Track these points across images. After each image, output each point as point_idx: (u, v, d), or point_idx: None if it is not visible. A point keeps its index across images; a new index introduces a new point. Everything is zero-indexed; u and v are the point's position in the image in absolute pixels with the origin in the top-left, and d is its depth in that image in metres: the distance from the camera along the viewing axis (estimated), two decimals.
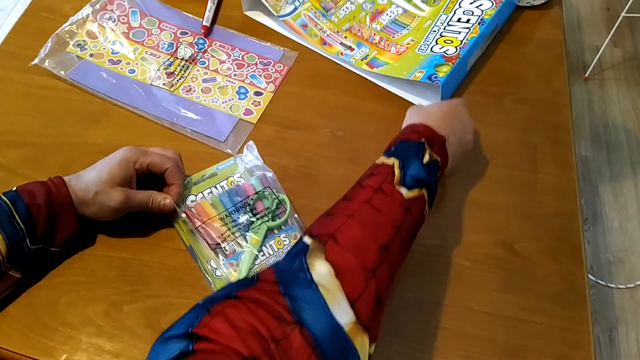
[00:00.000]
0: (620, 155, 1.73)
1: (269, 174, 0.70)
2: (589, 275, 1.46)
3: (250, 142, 0.73)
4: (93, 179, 0.61)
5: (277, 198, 0.67)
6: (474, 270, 0.66)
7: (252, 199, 0.67)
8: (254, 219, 0.65)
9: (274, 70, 0.82)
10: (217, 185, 0.69)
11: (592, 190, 1.65)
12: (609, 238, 1.57)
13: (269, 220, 0.65)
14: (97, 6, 0.86)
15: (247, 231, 0.65)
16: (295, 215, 0.67)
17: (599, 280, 1.49)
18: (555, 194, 0.72)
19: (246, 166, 0.71)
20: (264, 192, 0.67)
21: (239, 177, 0.70)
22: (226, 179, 0.69)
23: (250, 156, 0.72)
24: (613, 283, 1.49)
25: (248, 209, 0.66)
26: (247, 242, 0.64)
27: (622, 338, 1.43)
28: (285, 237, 0.65)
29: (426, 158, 0.57)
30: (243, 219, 0.65)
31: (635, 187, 1.67)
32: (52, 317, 0.60)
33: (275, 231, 0.65)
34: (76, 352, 0.58)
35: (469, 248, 0.67)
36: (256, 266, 0.62)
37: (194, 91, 0.79)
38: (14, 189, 0.59)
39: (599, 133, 1.78)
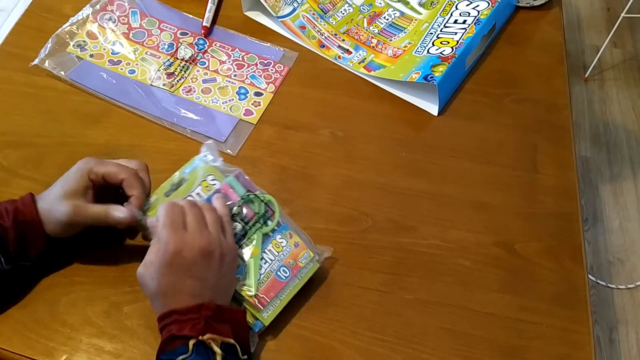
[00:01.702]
0: (620, 155, 1.73)
1: (239, 172, 0.64)
2: (589, 275, 1.46)
3: (210, 142, 0.65)
4: (51, 194, 0.59)
5: (264, 200, 0.63)
6: (474, 271, 0.66)
7: (238, 205, 0.62)
8: (247, 228, 0.61)
9: (274, 71, 0.82)
10: (193, 194, 0.62)
11: (592, 191, 1.65)
12: (609, 238, 1.57)
13: (262, 225, 0.62)
14: (97, 7, 0.86)
15: (242, 241, 0.61)
16: (284, 213, 0.64)
17: (599, 281, 1.49)
18: (555, 194, 0.72)
19: (215, 165, 0.64)
20: (249, 196, 0.62)
21: (213, 180, 0.63)
22: (199, 185, 0.62)
23: (210, 156, 0.65)
24: (613, 283, 1.49)
25: (238, 218, 0.61)
26: (246, 254, 0.61)
27: (622, 338, 1.43)
28: (282, 238, 0.62)
29: (218, 358, 0.51)
30: (236, 229, 0.60)
31: (636, 188, 1.67)
32: (52, 317, 0.60)
33: (270, 234, 0.62)
34: (76, 353, 0.58)
35: (469, 248, 0.67)
36: (263, 275, 0.60)
37: (194, 91, 0.79)
38: None
39: (599, 133, 1.78)
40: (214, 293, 0.55)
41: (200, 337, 0.51)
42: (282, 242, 0.62)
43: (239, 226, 0.61)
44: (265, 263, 0.60)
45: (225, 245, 0.57)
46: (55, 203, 0.58)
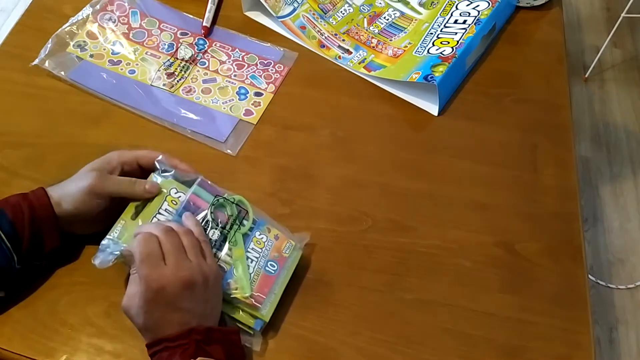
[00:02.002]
0: (621, 155, 1.73)
1: (201, 178, 0.63)
2: (589, 275, 1.46)
3: (160, 156, 0.63)
4: (67, 181, 0.60)
5: (234, 202, 0.62)
6: (474, 271, 0.66)
7: (211, 212, 0.61)
8: (226, 232, 0.61)
9: (274, 71, 0.82)
10: (162, 211, 0.60)
11: (592, 191, 1.65)
12: (609, 238, 1.57)
13: (239, 227, 0.61)
14: (98, 7, 0.86)
15: (223, 246, 0.60)
16: (256, 208, 0.64)
17: (599, 281, 1.49)
18: (555, 194, 0.72)
19: (173, 178, 0.63)
20: (218, 200, 0.62)
21: (176, 193, 0.62)
22: (165, 201, 0.61)
23: (166, 170, 0.63)
24: (613, 283, 1.49)
25: (214, 224, 0.61)
26: (231, 257, 0.60)
27: (622, 338, 1.43)
28: (261, 234, 0.62)
29: None
30: (215, 236, 0.60)
31: (636, 188, 1.67)
32: (53, 317, 0.60)
33: (249, 233, 0.62)
34: (76, 353, 0.58)
35: (469, 248, 0.67)
36: (252, 274, 0.60)
37: (194, 92, 0.79)
38: None
39: (599, 133, 1.78)
40: (201, 318, 0.54)
41: None
42: (262, 237, 0.62)
43: (217, 233, 0.60)
44: (251, 262, 0.60)
45: (207, 269, 0.55)
46: (75, 180, 0.59)
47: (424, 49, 0.82)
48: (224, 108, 0.78)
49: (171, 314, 0.53)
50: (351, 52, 0.85)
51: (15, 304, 0.61)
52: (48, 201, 0.58)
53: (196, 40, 0.85)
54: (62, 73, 0.79)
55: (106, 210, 0.60)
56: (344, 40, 0.86)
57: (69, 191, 0.59)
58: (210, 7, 0.87)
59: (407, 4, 0.90)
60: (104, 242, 0.58)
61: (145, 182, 0.61)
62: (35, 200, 0.58)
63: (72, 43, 0.82)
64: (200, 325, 0.53)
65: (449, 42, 0.81)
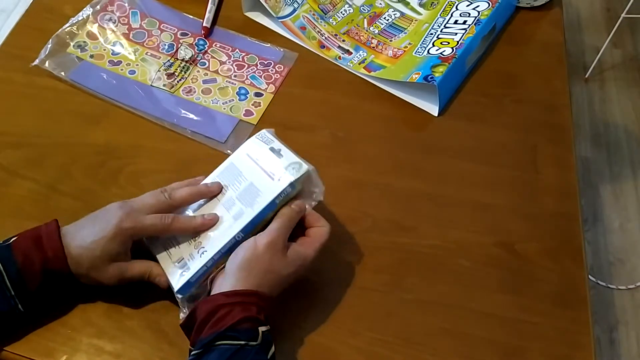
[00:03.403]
0: (621, 156, 1.73)
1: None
2: (589, 276, 1.46)
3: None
4: (86, 250, 0.55)
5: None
6: (474, 271, 0.66)
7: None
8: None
9: (274, 71, 0.82)
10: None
11: (592, 191, 1.65)
12: (609, 239, 1.57)
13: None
14: (98, 7, 0.86)
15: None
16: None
17: (599, 281, 1.49)
18: (555, 194, 0.72)
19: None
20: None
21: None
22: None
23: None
24: (613, 284, 1.49)
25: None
26: None
27: (622, 339, 1.43)
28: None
29: (271, 351, 0.52)
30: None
31: (636, 188, 1.67)
32: (53, 318, 0.60)
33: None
34: (76, 353, 0.58)
35: (469, 248, 0.67)
36: None
37: (194, 92, 0.79)
38: (9, 242, 0.55)
39: (599, 134, 1.78)
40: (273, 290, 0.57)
41: (268, 327, 0.52)
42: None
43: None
44: None
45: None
46: (99, 265, 0.56)
47: (424, 49, 0.82)
48: (224, 108, 0.78)
49: (284, 283, 0.57)
50: (351, 53, 0.85)
51: None
52: (64, 258, 0.55)
53: (196, 41, 0.85)
54: (62, 73, 0.79)
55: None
56: (344, 40, 0.86)
57: (90, 280, 0.57)
58: (211, 8, 0.87)
59: (407, 4, 0.90)
60: None
61: (156, 274, 0.59)
62: (51, 252, 0.55)
63: (72, 43, 0.82)
64: (264, 294, 0.55)
65: (449, 43, 0.81)
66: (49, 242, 0.55)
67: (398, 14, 0.90)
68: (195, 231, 0.59)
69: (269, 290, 0.55)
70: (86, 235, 0.56)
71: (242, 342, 0.50)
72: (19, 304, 0.55)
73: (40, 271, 0.54)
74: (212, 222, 0.59)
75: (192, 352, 0.51)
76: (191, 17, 0.87)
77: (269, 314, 0.54)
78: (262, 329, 0.52)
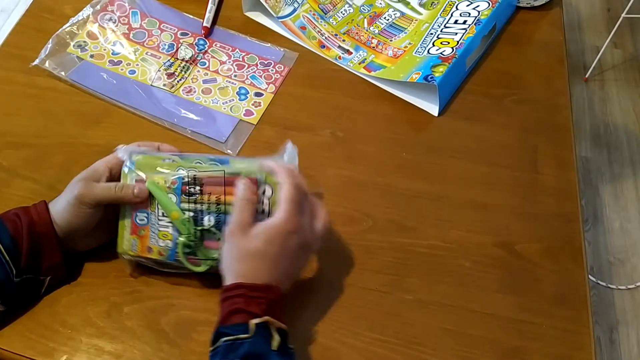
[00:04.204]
0: (621, 156, 1.73)
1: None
2: (590, 276, 1.46)
3: (119, 146, 0.62)
4: (61, 196, 0.59)
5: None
6: (474, 271, 0.66)
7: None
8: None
9: (274, 71, 0.82)
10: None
11: (592, 191, 1.65)
12: (609, 239, 1.57)
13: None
14: (98, 7, 0.86)
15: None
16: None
17: (599, 281, 1.49)
18: (555, 194, 0.72)
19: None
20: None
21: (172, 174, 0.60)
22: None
23: (129, 154, 0.62)
24: (613, 284, 1.49)
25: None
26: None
27: (622, 339, 1.43)
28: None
29: (274, 343, 0.51)
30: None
31: (636, 188, 1.67)
32: (53, 318, 0.60)
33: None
34: (76, 353, 0.58)
35: (469, 249, 0.67)
36: None
37: (195, 92, 0.79)
38: None
39: (599, 134, 1.78)
40: (285, 280, 0.56)
41: (263, 318, 0.51)
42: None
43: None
44: None
45: (314, 239, 0.58)
46: (65, 193, 0.59)
47: (424, 49, 0.82)
48: (224, 108, 0.78)
49: (276, 259, 0.55)
50: (351, 53, 0.85)
51: None
52: (48, 217, 0.58)
53: (196, 41, 0.85)
54: (63, 73, 0.79)
55: (104, 221, 0.60)
56: (344, 40, 0.86)
57: (60, 206, 0.59)
58: (211, 8, 0.87)
59: (407, 4, 0.90)
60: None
61: (133, 186, 0.58)
62: (36, 215, 0.58)
63: (72, 43, 0.82)
64: (278, 286, 0.54)
65: (449, 43, 0.81)
66: (35, 208, 0.59)
67: (398, 14, 0.90)
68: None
69: (256, 277, 0.54)
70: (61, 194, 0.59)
71: (233, 337, 0.50)
72: (13, 269, 0.56)
73: (27, 234, 0.56)
74: (143, 194, 0.58)
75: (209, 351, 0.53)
76: (191, 17, 0.87)
77: (275, 299, 0.54)
78: (254, 321, 0.51)
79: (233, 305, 0.52)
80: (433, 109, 0.79)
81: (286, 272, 0.56)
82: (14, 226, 0.56)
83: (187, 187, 0.58)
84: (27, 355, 0.58)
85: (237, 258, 0.55)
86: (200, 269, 0.59)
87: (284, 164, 0.61)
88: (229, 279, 0.55)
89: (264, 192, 0.59)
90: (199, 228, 0.58)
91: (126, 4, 0.87)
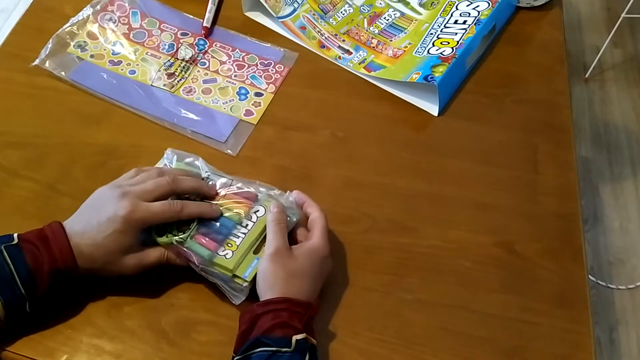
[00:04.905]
0: (621, 156, 1.73)
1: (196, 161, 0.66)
2: (590, 276, 1.46)
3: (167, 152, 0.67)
4: (99, 248, 0.55)
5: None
6: (474, 271, 0.66)
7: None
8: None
9: (274, 71, 0.82)
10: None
11: (592, 191, 1.65)
12: (609, 239, 1.57)
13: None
14: (98, 7, 0.86)
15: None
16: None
17: (599, 281, 1.49)
18: (555, 194, 0.72)
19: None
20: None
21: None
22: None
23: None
24: (613, 284, 1.49)
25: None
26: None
27: (622, 339, 1.43)
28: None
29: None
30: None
31: (636, 188, 1.67)
32: (53, 318, 0.60)
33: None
34: (76, 353, 0.58)
35: (469, 249, 0.67)
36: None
37: (195, 92, 0.79)
38: (15, 240, 0.54)
39: (599, 134, 1.78)
40: (315, 298, 0.59)
41: (304, 335, 0.53)
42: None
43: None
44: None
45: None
46: (114, 260, 0.57)
47: (424, 49, 0.82)
48: (225, 108, 0.78)
49: (312, 283, 0.58)
50: (351, 53, 0.85)
51: None
52: (71, 256, 0.55)
53: (196, 41, 0.85)
54: (63, 73, 0.79)
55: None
56: (344, 40, 0.86)
57: (108, 273, 0.58)
58: (211, 8, 0.87)
59: (407, 4, 0.90)
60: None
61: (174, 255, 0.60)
62: (58, 252, 0.54)
63: (72, 43, 0.82)
64: (315, 304, 0.57)
65: (449, 43, 0.81)
66: (55, 242, 0.55)
67: (398, 14, 0.90)
68: (201, 216, 0.61)
69: (300, 294, 0.56)
70: (95, 231, 0.55)
71: (274, 349, 0.51)
72: (27, 304, 0.55)
73: (48, 271, 0.54)
74: (218, 211, 0.62)
75: (235, 359, 0.53)
76: (191, 17, 0.87)
77: (312, 316, 0.56)
78: (297, 337, 0.52)
79: (277, 318, 0.53)
80: (433, 109, 0.79)
81: (317, 291, 0.59)
82: (34, 260, 0.53)
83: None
84: (27, 355, 0.58)
85: (283, 277, 0.56)
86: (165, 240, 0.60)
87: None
88: (271, 295, 0.55)
89: (256, 211, 0.62)
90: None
91: (126, 4, 0.87)
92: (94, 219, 0.56)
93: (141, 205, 0.57)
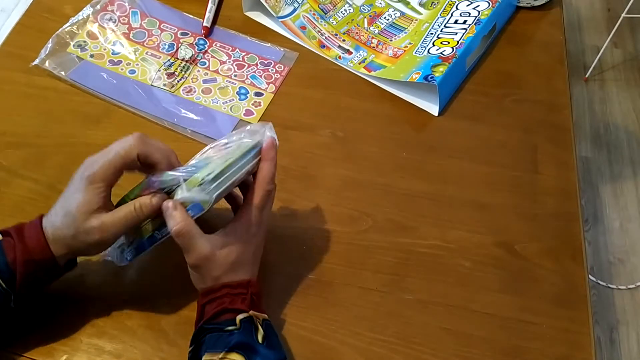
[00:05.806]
0: (621, 155, 1.73)
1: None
2: (590, 276, 1.46)
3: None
4: (63, 219, 0.53)
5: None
6: (474, 271, 0.66)
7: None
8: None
9: (274, 71, 0.82)
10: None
11: (592, 191, 1.66)
12: (609, 239, 1.57)
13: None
14: (98, 7, 0.86)
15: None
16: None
17: (599, 281, 1.49)
18: (555, 194, 0.72)
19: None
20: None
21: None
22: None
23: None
24: (613, 284, 1.49)
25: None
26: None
27: (622, 339, 1.43)
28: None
29: (260, 336, 0.53)
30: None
31: (636, 188, 1.67)
32: (53, 318, 0.60)
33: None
34: (76, 353, 0.58)
35: (469, 249, 0.67)
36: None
37: (195, 92, 0.79)
38: None
39: (599, 134, 1.78)
40: (256, 268, 0.59)
41: (249, 313, 0.53)
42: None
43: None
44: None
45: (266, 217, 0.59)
46: (78, 229, 0.53)
47: (424, 49, 0.82)
48: (224, 108, 0.78)
49: (244, 261, 0.57)
50: (351, 52, 0.85)
51: None
52: (46, 244, 0.53)
53: (196, 40, 0.85)
54: (63, 73, 0.79)
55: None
56: (344, 40, 0.86)
57: (84, 246, 0.54)
58: (211, 7, 0.87)
59: (407, 4, 0.90)
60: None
61: (148, 200, 0.55)
62: (29, 240, 0.53)
63: (72, 43, 0.82)
64: (254, 279, 0.57)
65: (449, 42, 0.81)
66: (29, 231, 0.54)
67: (398, 14, 0.90)
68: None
69: (237, 275, 0.55)
70: (59, 206, 0.54)
71: (220, 330, 0.52)
72: (12, 298, 0.54)
73: (22, 262, 0.53)
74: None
75: (189, 351, 0.54)
76: (191, 16, 0.87)
77: (255, 292, 0.56)
78: (239, 316, 0.53)
79: (219, 306, 0.53)
80: (433, 109, 0.79)
81: (255, 260, 0.59)
82: (11, 251, 0.53)
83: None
84: (27, 355, 0.58)
85: (214, 276, 0.55)
86: None
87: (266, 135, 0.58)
88: (211, 283, 0.55)
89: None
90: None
91: (126, 4, 0.87)
92: (60, 200, 0.55)
93: (98, 161, 0.55)
